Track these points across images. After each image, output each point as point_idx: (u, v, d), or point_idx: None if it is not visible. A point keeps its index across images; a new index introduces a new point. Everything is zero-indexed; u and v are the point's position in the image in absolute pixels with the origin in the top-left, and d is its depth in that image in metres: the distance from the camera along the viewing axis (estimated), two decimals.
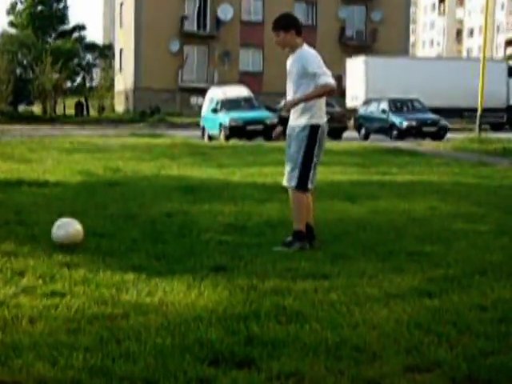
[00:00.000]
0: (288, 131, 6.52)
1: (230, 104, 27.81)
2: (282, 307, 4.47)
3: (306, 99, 6.29)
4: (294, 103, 6.33)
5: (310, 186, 6.41)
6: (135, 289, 4.87)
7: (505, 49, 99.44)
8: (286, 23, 6.45)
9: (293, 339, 3.91)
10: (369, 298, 4.74)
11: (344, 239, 6.83)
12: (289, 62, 6.52)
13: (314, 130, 6.37)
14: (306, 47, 6.43)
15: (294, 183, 6.40)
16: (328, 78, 6.24)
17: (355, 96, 41.67)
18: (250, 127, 26.08)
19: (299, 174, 6.35)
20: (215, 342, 3.82)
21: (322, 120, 6.45)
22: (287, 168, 6.50)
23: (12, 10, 74.85)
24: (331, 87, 6.24)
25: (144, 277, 5.18)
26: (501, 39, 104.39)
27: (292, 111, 6.45)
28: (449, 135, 28.05)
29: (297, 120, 6.41)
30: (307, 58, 6.33)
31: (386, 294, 4.84)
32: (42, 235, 6.66)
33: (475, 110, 28.31)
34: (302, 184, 6.38)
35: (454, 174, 13.40)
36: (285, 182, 6.56)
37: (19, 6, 74.48)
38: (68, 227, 6.27)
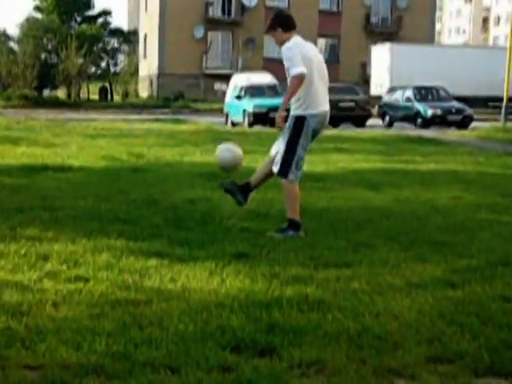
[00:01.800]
0: None
1: (253, 90, 27.79)
2: (304, 295, 4.47)
3: (287, 100, 6.35)
4: (281, 111, 6.38)
5: (291, 176, 6.41)
6: (158, 275, 4.89)
7: None
8: (272, 23, 6.57)
9: (314, 327, 3.91)
10: (391, 288, 4.73)
11: (367, 228, 6.81)
12: None
13: (298, 120, 6.40)
14: (291, 40, 6.44)
15: (275, 169, 6.47)
16: (294, 69, 6.23)
17: (380, 83, 41.51)
18: (273, 114, 25.92)
19: (281, 161, 6.41)
20: (237, 329, 3.83)
21: (311, 111, 6.41)
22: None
23: None
24: (299, 77, 6.21)
25: (167, 263, 5.21)
26: None
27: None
28: (474, 124, 27.82)
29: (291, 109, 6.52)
30: (283, 53, 6.40)
31: (409, 284, 4.82)
32: (66, 220, 6.71)
33: (501, 99, 28.05)
34: (282, 171, 6.42)
35: (479, 164, 13.30)
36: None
37: None
38: (233, 150, 6.94)
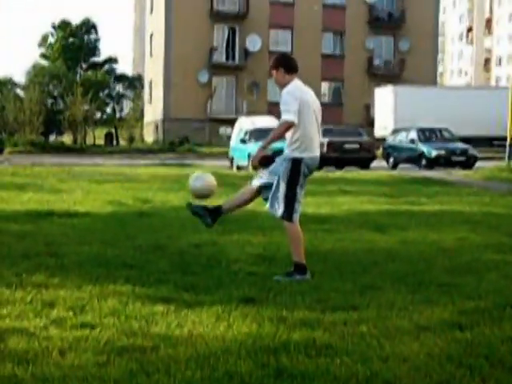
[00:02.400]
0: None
1: (258, 134, 27.87)
2: (312, 340, 4.44)
3: (270, 142, 6.49)
4: (261, 151, 6.48)
5: (295, 216, 6.49)
6: (164, 321, 4.87)
7: None
8: (276, 62, 6.70)
9: (323, 372, 3.88)
10: (399, 331, 4.69)
11: (373, 270, 6.79)
12: None
13: (296, 162, 6.45)
14: (291, 83, 6.57)
15: (279, 213, 6.49)
16: (286, 115, 6.34)
17: (384, 125, 41.69)
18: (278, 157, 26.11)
19: (284, 204, 6.45)
20: (245, 374, 3.80)
21: (307, 154, 6.47)
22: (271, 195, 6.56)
23: (44, 42, 76.23)
24: (287, 124, 6.33)
25: (173, 308, 5.19)
26: None
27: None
28: (478, 164, 27.87)
29: (286, 149, 6.55)
30: (283, 95, 6.49)
31: (417, 327, 4.79)
32: (71, 266, 6.71)
33: (505, 139, 28.13)
34: (287, 214, 6.46)
35: (484, 204, 13.28)
36: (268, 205, 6.63)
37: (51, 39, 75.81)
38: (204, 178, 7.00)
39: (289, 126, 6.33)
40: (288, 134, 6.45)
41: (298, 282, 6.20)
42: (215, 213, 6.86)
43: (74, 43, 74.52)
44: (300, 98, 6.43)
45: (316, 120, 6.61)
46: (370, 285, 6.08)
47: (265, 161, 6.58)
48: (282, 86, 6.60)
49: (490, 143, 40.54)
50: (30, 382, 3.70)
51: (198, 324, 4.80)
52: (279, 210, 6.48)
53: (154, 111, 57.28)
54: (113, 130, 64.61)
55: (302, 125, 6.40)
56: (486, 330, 4.72)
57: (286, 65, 6.66)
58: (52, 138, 65.32)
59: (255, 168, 6.62)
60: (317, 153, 6.61)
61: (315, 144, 6.58)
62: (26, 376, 3.77)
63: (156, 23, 57.35)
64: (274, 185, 6.53)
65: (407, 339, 4.51)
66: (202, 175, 7.18)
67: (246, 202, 6.79)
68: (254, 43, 53.96)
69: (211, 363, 3.99)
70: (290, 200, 6.44)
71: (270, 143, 6.50)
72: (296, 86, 6.56)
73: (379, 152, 32.22)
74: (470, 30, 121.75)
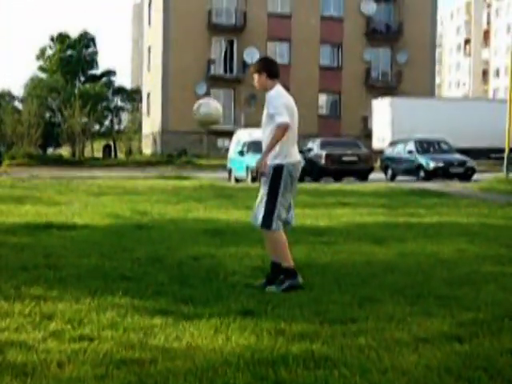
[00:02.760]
0: None
1: (256, 146, 27.87)
2: (310, 352, 4.43)
3: (270, 148, 6.38)
4: (262, 160, 6.42)
5: (274, 226, 6.43)
6: (163, 333, 4.86)
7: None
8: (259, 66, 6.68)
9: None
10: (398, 343, 4.69)
11: (372, 282, 6.78)
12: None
13: (277, 170, 6.43)
14: (274, 89, 6.57)
15: (258, 222, 6.50)
16: (279, 118, 6.30)
17: (381, 137, 41.76)
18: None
19: (263, 213, 6.45)
20: None
21: (288, 160, 6.47)
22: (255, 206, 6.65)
23: (41, 55, 76.35)
24: (283, 126, 6.29)
25: (171, 321, 5.18)
26: None
27: None
28: (476, 176, 27.91)
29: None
30: (270, 99, 6.48)
31: (415, 339, 4.79)
32: (70, 279, 6.70)
33: (502, 151, 28.18)
34: (265, 223, 6.44)
35: (482, 216, 13.29)
36: (250, 218, 6.73)
37: (48, 52, 75.95)
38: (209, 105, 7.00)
39: (285, 128, 6.30)
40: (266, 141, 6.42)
41: (291, 288, 6.24)
42: (278, 271, 6.57)
43: (72, 56, 74.66)
44: (285, 103, 6.46)
45: (295, 126, 6.62)
46: (368, 297, 6.08)
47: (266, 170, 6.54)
48: (264, 90, 6.62)
49: (488, 155, 40.58)
50: None
51: (197, 336, 4.79)
52: (259, 219, 6.49)
53: (152, 123, 57.37)
54: (111, 143, 64.67)
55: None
56: (485, 342, 4.71)
57: (269, 70, 6.64)
58: (50, 150, 65.34)
59: (262, 175, 6.52)
60: (298, 157, 6.63)
61: (296, 150, 6.60)
62: None
63: (154, 36, 57.53)
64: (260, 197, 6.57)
65: (406, 351, 4.50)
66: (207, 102, 7.18)
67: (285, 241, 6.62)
68: (251, 56, 54.01)
69: (209, 376, 3.98)
70: (270, 209, 6.43)
71: (270, 149, 6.40)
72: (280, 91, 6.57)
73: (377, 164, 32.26)
74: (467, 41, 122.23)
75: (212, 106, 7.00)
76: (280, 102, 6.42)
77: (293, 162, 6.52)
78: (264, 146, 6.48)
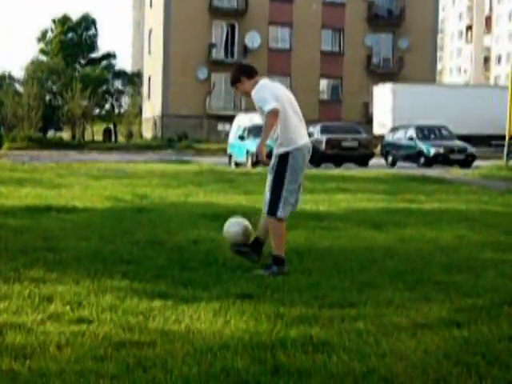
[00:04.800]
0: None
1: (256, 131, 27.83)
2: (309, 336, 4.44)
3: (265, 138, 6.41)
4: (260, 149, 6.42)
5: (279, 213, 6.49)
6: (162, 316, 4.87)
7: None
8: (235, 76, 6.78)
9: (319, 369, 3.88)
10: (396, 328, 4.70)
11: (371, 267, 6.79)
12: None
13: (282, 158, 6.51)
14: (257, 85, 6.60)
15: (264, 210, 6.60)
16: (266, 106, 6.33)
17: (382, 123, 41.70)
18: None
19: (269, 200, 6.53)
20: (242, 370, 3.80)
21: (292, 146, 6.51)
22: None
23: (42, 37, 76.09)
24: (272, 112, 6.31)
25: (171, 304, 5.19)
26: None
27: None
28: (476, 163, 27.89)
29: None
30: (254, 96, 6.53)
31: (414, 324, 4.79)
32: (69, 261, 6.71)
33: (503, 138, 28.15)
34: (271, 210, 6.52)
35: (482, 202, 13.29)
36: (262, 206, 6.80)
37: (49, 34, 75.69)
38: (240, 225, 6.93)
39: (275, 114, 6.30)
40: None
41: (274, 274, 6.29)
42: (256, 246, 6.81)
43: (73, 39, 74.41)
44: (270, 93, 6.47)
45: (294, 110, 6.64)
46: (367, 282, 6.09)
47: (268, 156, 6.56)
48: (250, 92, 6.63)
49: (488, 142, 40.54)
50: (27, 376, 3.70)
51: (196, 320, 4.80)
52: (265, 206, 6.59)
53: (152, 107, 57.25)
54: (111, 126, 64.55)
55: (281, 121, 6.41)
56: (484, 327, 4.72)
57: (246, 72, 6.75)
58: (50, 133, 65.26)
59: (264, 164, 6.58)
60: (305, 139, 6.64)
61: (299, 132, 6.59)
62: (23, 370, 3.77)
63: (155, 19, 57.32)
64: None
65: (404, 336, 4.51)
66: (237, 221, 7.13)
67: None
68: (253, 40, 53.93)
69: (208, 359, 3.99)
70: (276, 197, 6.49)
71: (266, 138, 6.42)
72: (263, 84, 6.61)
73: (377, 150, 32.21)
74: (469, 28, 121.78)
75: (242, 225, 7.00)
76: (262, 92, 6.46)
77: (298, 147, 6.53)
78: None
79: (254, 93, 6.54)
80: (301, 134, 6.62)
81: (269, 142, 6.49)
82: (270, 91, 6.48)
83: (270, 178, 6.60)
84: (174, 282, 5.93)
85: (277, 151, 6.54)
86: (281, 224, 6.55)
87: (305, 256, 7.26)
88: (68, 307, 5.05)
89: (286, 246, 7.66)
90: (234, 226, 7.01)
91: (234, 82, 6.78)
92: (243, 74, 6.73)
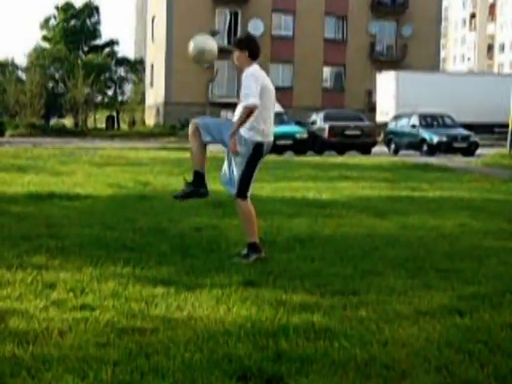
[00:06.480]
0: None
1: None
2: (311, 323, 4.45)
3: (237, 127, 6.42)
4: (233, 135, 6.44)
5: (248, 193, 6.63)
6: (164, 303, 4.88)
7: None
8: (241, 42, 6.67)
9: (321, 356, 3.89)
10: (398, 315, 4.70)
11: (373, 255, 6.79)
12: None
13: (257, 146, 6.54)
14: (251, 67, 6.54)
15: (235, 192, 6.63)
16: (248, 99, 6.31)
17: (385, 111, 41.64)
18: (279, 142, 26.08)
19: (239, 183, 6.58)
20: (244, 357, 3.81)
21: (266, 138, 6.58)
22: (227, 170, 6.73)
23: (45, 24, 75.91)
24: (249, 108, 6.32)
25: (173, 291, 5.19)
26: None
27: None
28: (480, 151, 27.85)
29: (244, 132, 6.50)
30: (244, 80, 6.45)
31: (416, 312, 4.80)
32: (72, 248, 6.72)
33: (506, 126, 28.08)
34: (240, 193, 6.59)
35: (485, 190, 13.29)
36: (221, 182, 6.89)
37: (52, 21, 75.53)
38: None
39: (251, 110, 6.32)
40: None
41: (254, 261, 6.31)
42: (199, 179, 6.88)
43: (76, 26, 74.26)
44: (261, 82, 6.46)
45: (273, 103, 6.69)
46: (370, 270, 6.09)
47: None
48: (241, 68, 6.60)
49: (492, 130, 40.48)
50: (29, 362, 3.71)
51: (198, 307, 4.80)
52: (235, 188, 6.61)
53: (155, 95, 57.18)
54: (114, 114, 64.54)
55: (262, 109, 6.41)
56: (486, 315, 4.72)
57: (252, 50, 6.61)
58: (53, 120, 65.21)
59: (236, 154, 6.60)
60: (271, 138, 6.70)
61: (271, 128, 6.67)
62: (25, 356, 3.78)
63: (158, 6, 57.14)
64: (231, 162, 6.65)
65: (406, 324, 4.52)
66: (202, 38, 7.19)
67: (202, 154, 6.86)
68: (256, 27, 53.71)
69: (210, 346, 4.00)
70: (247, 181, 6.58)
71: (236, 130, 6.43)
72: (256, 70, 6.55)
73: (380, 137, 32.18)
74: (473, 15, 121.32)
75: (208, 42, 6.96)
76: (253, 81, 6.40)
77: (268, 142, 6.63)
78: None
79: (244, 76, 6.46)
80: (271, 130, 6.68)
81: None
82: (258, 82, 6.43)
83: (239, 161, 6.55)
84: (177, 269, 5.94)
85: (252, 137, 6.49)
86: (251, 206, 6.63)
87: (307, 243, 7.27)
88: (71, 294, 5.06)
89: (289, 233, 7.68)
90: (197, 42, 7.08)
91: (237, 46, 6.64)
92: (248, 48, 6.58)
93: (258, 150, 6.54)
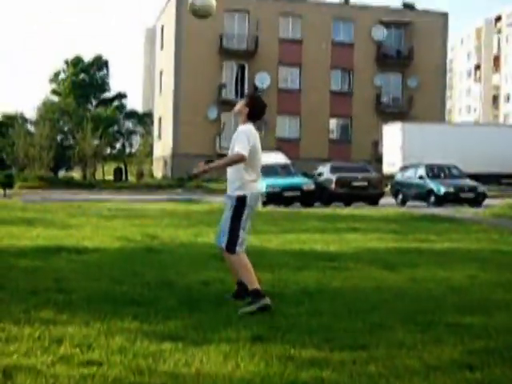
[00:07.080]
0: (225, 199, 7.09)
1: (266, 170, 27.94)
2: (320, 379, 4.41)
3: (217, 166, 7.05)
4: (208, 167, 7.02)
5: (237, 249, 6.77)
6: (172, 359, 4.84)
7: None
8: (248, 99, 7.03)
9: None
10: (408, 371, 4.66)
11: (382, 308, 6.75)
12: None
13: (240, 199, 6.81)
14: (247, 126, 6.90)
15: (223, 245, 6.82)
16: (240, 149, 6.68)
17: (392, 162, 41.75)
18: (287, 193, 26.14)
19: (228, 239, 6.78)
20: None
21: (250, 191, 6.85)
22: (219, 229, 7.03)
23: (55, 78, 76.89)
24: (239, 157, 6.69)
25: (181, 346, 5.16)
26: None
27: (228, 183, 7.04)
28: (487, 201, 27.80)
29: (230, 191, 6.95)
30: (240, 133, 6.83)
31: (426, 366, 4.75)
32: (80, 302, 6.70)
33: None
34: (229, 247, 6.78)
35: (494, 242, 13.23)
36: (215, 240, 7.23)
37: (62, 75, 76.49)
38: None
39: (240, 159, 6.69)
40: (232, 173, 6.89)
41: (260, 309, 6.38)
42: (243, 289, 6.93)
43: (85, 80, 75.17)
44: (253, 143, 6.81)
45: (259, 164, 7.06)
46: (379, 323, 6.05)
47: (203, 175, 7.16)
48: (240, 119, 6.95)
49: (498, 180, 40.49)
50: None
51: (206, 362, 4.77)
52: (224, 242, 6.81)
53: (163, 147, 57.55)
54: (122, 166, 64.87)
55: (249, 167, 6.81)
56: (497, 370, 4.68)
57: (252, 112, 6.93)
58: (62, 173, 65.58)
59: (195, 176, 6.95)
60: (259, 190, 7.06)
61: (258, 184, 7.00)
62: None
63: (166, 60, 57.88)
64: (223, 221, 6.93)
65: (417, 379, 4.47)
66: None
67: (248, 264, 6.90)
68: (263, 80, 54.31)
69: None
70: (234, 235, 6.76)
71: (216, 167, 7.05)
72: (251, 130, 6.89)
73: (387, 189, 32.20)
74: (477, 67, 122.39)
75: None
76: (246, 138, 6.74)
77: (254, 194, 6.88)
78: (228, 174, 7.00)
79: (241, 132, 6.81)
80: (258, 185, 7.01)
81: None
82: (252, 141, 6.79)
83: (227, 214, 6.85)
84: (184, 324, 5.91)
85: (234, 193, 6.84)
86: (242, 256, 6.79)
87: (315, 296, 7.23)
88: (78, 349, 5.03)
89: (296, 286, 7.65)
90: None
91: (245, 99, 7.00)
92: (253, 109, 6.91)
93: (241, 202, 6.79)
